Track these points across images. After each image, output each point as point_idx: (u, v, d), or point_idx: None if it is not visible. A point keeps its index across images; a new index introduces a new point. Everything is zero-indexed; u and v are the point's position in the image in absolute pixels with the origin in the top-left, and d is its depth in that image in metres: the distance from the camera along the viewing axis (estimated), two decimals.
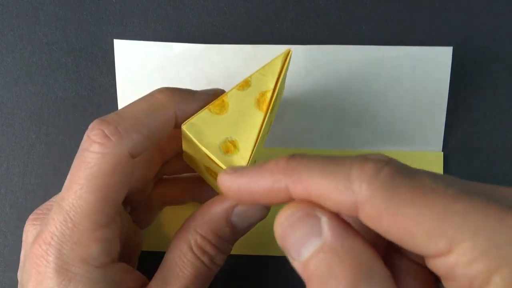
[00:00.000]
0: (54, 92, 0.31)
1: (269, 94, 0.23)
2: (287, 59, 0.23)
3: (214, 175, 0.24)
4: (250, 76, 0.23)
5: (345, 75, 0.30)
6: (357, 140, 0.30)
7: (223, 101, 0.22)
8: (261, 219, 0.23)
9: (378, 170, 0.15)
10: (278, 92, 0.23)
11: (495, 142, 0.31)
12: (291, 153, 0.29)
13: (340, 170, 0.15)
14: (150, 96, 0.22)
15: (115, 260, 0.22)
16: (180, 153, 0.25)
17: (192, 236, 0.22)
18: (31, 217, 0.23)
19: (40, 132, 0.31)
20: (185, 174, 0.29)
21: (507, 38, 0.30)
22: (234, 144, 0.22)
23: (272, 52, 0.30)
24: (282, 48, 0.30)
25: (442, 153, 0.30)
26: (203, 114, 0.22)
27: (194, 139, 0.22)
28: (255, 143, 0.22)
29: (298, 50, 0.30)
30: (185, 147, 0.24)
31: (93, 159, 0.20)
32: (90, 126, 0.21)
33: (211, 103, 0.22)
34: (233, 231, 0.23)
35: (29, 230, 0.22)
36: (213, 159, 0.21)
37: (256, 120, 0.22)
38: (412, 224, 0.14)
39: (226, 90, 0.26)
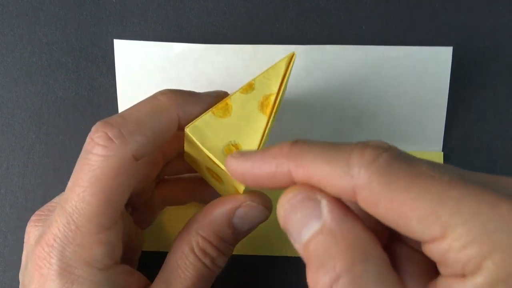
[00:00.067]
0: (54, 92, 0.31)
1: (273, 98, 0.23)
2: (291, 62, 0.23)
3: (216, 176, 0.24)
4: (254, 79, 0.23)
5: (345, 75, 0.30)
6: (357, 140, 0.30)
7: (226, 104, 0.22)
8: (262, 221, 0.23)
9: (376, 156, 0.15)
10: (281, 95, 0.23)
11: (495, 142, 0.31)
12: None
13: (340, 155, 0.16)
14: (153, 98, 0.22)
15: (117, 262, 0.22)
16: (181, 153, 0.25)
17: (194, 238, 0.22)
18: (33, 218, 0.23)
19: (40, 132, 0.31)
20: (186, 175, 0.29)
21: (507, 38, 0.30)
22: (237, 147, 0.22)
23: (272, 52, 0.30)
24: (282, 48, 0.30)
25: (442, 153, 0.30)
26: (207, 117, 0.22)
27: (197, 142, 0.21)
28: (258, 147, 0.22)
29: (298, 50, 0.30)
30: (187, 148, 0.23)
31: (97, 161, 0.20)
32: (93, 128, 0.21)
33: (214, 106, 0.22)
34: (234, 233, 0.23)
35: (31, 232, 0.22)
36: (216, 163, 0.21)
37: (259, 123, 0.22)
38: (407, 209, 0.15)
39: (227, 91, 0.26)
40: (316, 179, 0.17)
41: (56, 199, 0.24)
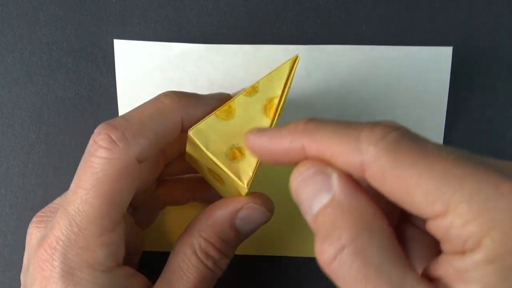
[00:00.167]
0: (54, 92, 0.31)
1: (276, 101, 0.22)
2: (295, 65, 0.23)
3: (217, 177, 0.24)
4: (257, 82, 0.23)
5: (345, 75, 0.30)
6: None
7: (230, 106, 0.22)
8: (264, 223, 0.23)
9: (385, 134, 0.16)
10: (284, 98, 0.23)
11: (495, 142, 0.31)
12: None
13: (351, 132, 0.17)
14: (157, 100, 0.22)
15: (120, 264, 0.22)
16: (182, 154, 0.25)
17: (196, 240, 0.23)
18: (34, 219, 0.23)
19: (40, 132, 0.31)
20: (187, 175, 0.29)
21: (507, 38, 0.30)
22: (240, 151, 0.22)
23: (272, 52, 0.30)
24: (282, 48, 0.30)
25: None
26: (210, 120, 0.22)
27: (201, 146, 0.21)
28: None
29: (298, 50, 0.30)
30: (189, 149, 0.23)
31: (100, 164, 0.20)
32: (96, 130, 0.21)
33: (218, 109, 0.22)
34: (236, 235, 0.23)
35: (33, 233, 0.22)
36: (220, 166, 0.21)
37: (263, 126, 0.22)
38: (412, 186, 0.15)
39: (227, 91, 0.26)
40: (328, 154, 0.17)
41: (57, 200, 0.24)
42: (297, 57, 0.23)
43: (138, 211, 0.27)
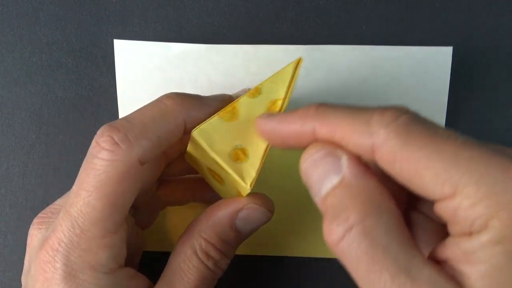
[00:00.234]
0: (54, 92, 0.31)
1: (279, 103, 0.22)
2: (298, 68, 0.23)
3: (217, 177, 0.24)
4: (261, 84, 0.23)
5: (345, 75, 0.30)
6: None
7: (234, 108, 0.22)
8: (264, 223, 0.23)
9: (396, 117, 0.16)
10: (287, 100, 0.23)
11: (495, 142, 0.31)
12: (289, 153, 0.29)
13: (362, 115, 0.17)
14: (159, 102, 0.22)
15: (122, 265, 0.22)
16: (183, 154, 0.25)
17: (196, 241, 0.23)
18: (35, 221, 0.23)
19: (40, 132, 0.31)
20: (187, 176, 0.29)
21: (507, 38, 0.30)
22: (243, 152, 0.22)
23: (272, 52, 0.30)
24: (282, 48, 0.30)
25: None
26: (214, 120, 0.22)
27: (204, 146, 0.21)
28: (265, 152, 0.22)
29: (298, 50, 0.30)
30: (190, 149, 0.23)
31: (102, 166, 0.20)
32: (98, 132, 0.21)
33: (221, 110, 0.22)
34: (237, 235, 0.23)
35: (34, 234, 0.22)
36: (223, 166, 0.21)
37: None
38: (421, 167, 0.15)
39: (227, 91, 0.26)
40: (339, 136, 0.17)
41: (58, 201, 0.24)
42: (300, 59, 0.23)
43: (139, 211, 0.27)
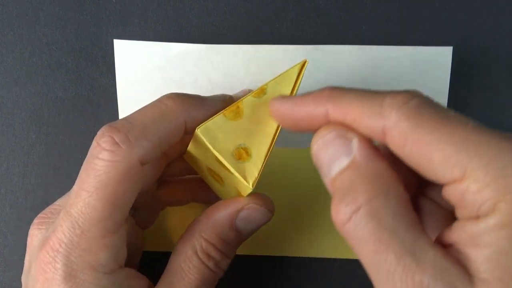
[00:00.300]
0: (54, 92, 0.31)
1: None
2: (303, 69, 0.23)
3: (217, 177, 0.24)
4: (266, 84, 0.23)
5: (345, 75, 0.30)
6: None
7: (238, 107, 0.22)
8: (265, 223, 0.23)
9: (408, 100, 0.16)
10: None
11: None
12: (290, 153, 0.29)
13: (375, 98, 0.17)
14: (159, 103, 0.22)
15: (122, 265, 0.22)
16: (183, 154, 0.25)
17: (197, 241, 0.23)
18: (35, 221, 0.23)
19: (40, 132, 0.31)
20: (187, 176, 0.29)
21: (507, 38, 0.30)
22: (246, 151, 0.22)
23: (272, 52, 0.30)
24: (282, 48, 0.30)
25: None
26: (218, 119, 0.22)
27: (208, 144, 0.21)
28: (268, 152, 0.22)
29: (298, 50, 0.30)
30: (191, 148, 0.23)
31: (103, 166, 0.20)
32: (99, 132, 0.21)
33: (226, 109, 0.22)
34: (237, 235, 0.23)
35: (34, 235, 0.22)
36: (226, 165, 0.21)
37: (269, 128, 0.22)
38: (431, 150, 0.16)
39: (227, 91, 0.26)
40: (351, 118, 0.18)
41: (58, 202, 0.24)
42: (305, 61, 0.23)
43: (139, 211, 0.27)
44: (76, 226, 0.20)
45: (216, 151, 0.21)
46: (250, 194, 0.23)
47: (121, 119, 0.21)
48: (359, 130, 0.18)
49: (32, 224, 0.23)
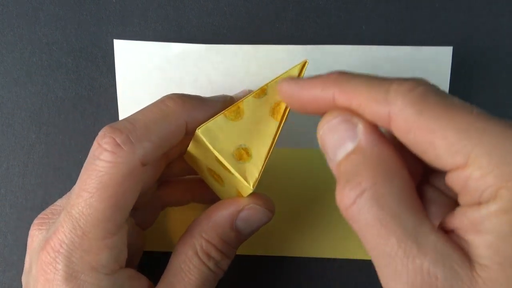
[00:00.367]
0: (54, 92, 0.31)
1: (284, 104, 0.23)
2: (303, 70, 0.23)
3: (217, 177, 0.24)
4: (266, 85, 0.23)
5: None
6: None
7: (238, 107, 0.22)
8: (265, 223, 0.23)
9: (414, 87, 0.16)
10: None
11: None
12: (290, 153, 0.29)
13: (381, 85, 0.17)
14: (161, 103, 0.22)
15: (123, 266, 0.22)
16: (183, 154, 0.25)
17: (197, 241, 0.23)
18: (36, 221, 0.23)
19: (40, 132, 0.31)
20: (187, 177, 0.29)
21: (507, 38, 0.30)
22: (247, 151, 0.22)
23: (272, 52, 0.30)
24: (282, 48, 0.30)
25: None
26: (219, 119, 0.22)
27: (208, 144, 0.21)
28: (268, 152, 0.22)
29: (298, 50, 0.30)
30: (191, 148, 0.23)
31: (104, 167, 0.20)
32: (100, 133, 0.21)
33: (226, 109, 0.22)
34: (237, 235, 0.23)
35: (35, 235, 0.22)
36: (226, 166, 0.21)
37: (270, 129, 0.22)
38: (435, 137, 0.16)
39: (227, 91, 0.26)
40: (356, 103, 0.18)
41: (58, 202, 0.24)
42: (305, 62, 0.23)
43: (139, 212, 0.27)
44: (77, 227, 0.20)
45: (217, 151, 0.21)
46: (250, 195, 0.23)
47: (122, 120, 0.21)
48: (365, 116, 0.18)
49: (32, 224, 0.23)
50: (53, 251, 0.20)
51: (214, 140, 0.21)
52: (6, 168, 0.31)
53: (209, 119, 0.22)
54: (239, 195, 0.23)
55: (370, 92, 0.17)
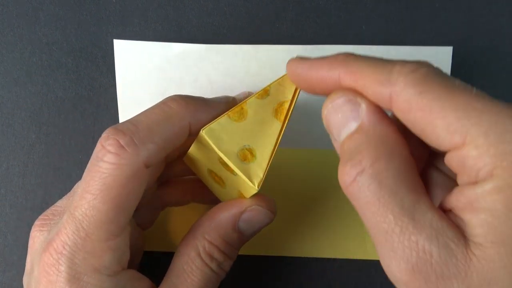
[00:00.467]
0: (54, 92, 0.31)
1: (287, 105, 0.23)
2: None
3: (218, 179, 0.24)
4: (269, 85, 0.23)
5: None
6: None
7: (242, 108, 0.22)
8: (267, 224, 0.23)
9: (416, 68, 0.17)
10: (295, 102, 0.23)
11: None
12: (291, 153, 0.29)
13: (385, 66, 0.17)
14: (164, 105, 0.22)
15: (125, 267, 0.22)
16: (183, 154, 0.25)
17: (200, 243, 0.23)
18: (37, 222, 0.23)
19: (40, 132, 0.31)
20: (187, 177, 0.29)
21: (507, 38, 0.30)
22: (251, 152, 0.22)
23: (272, 52, 0.30)
24: (282, 48, 0.30)
25: None
26: (223, 120, 0.22)
27: (213, 145, 0.21)
28: (272, 152, 0.22)
29: (298, 50, 0.30)
30: (193, 150, 0.23)
31: (108, 169, 0.20)
32: (104, 135, 0.21)
33: (230, 110, 0.22)
34: (240, 237, 0.23)
35: (36, 236, 0.22)
36: (231, 166, 0.21)
37: (273, 129, 0.22)
38: (434, 117, 0.16)
39: (227, 91, 0.26)
40: (361, 84, 0.18)
41: (59, 203, 0.24)
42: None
43: (139, 212, 0.27)
44: (81, 229, 0.20)
45: (221, 152, 0.21)
46: (252, 196, 0.23)
47: (125, 121, 0.21)
48: (369, 96, 0.18)
49: (33, 225, 0.23)
50: (56, 252, 0.20)
51: (219, 141, 0.21)
52: (6, 168, 0.31)
53: (212, 120, 0.22)
54: (240, 196, 0.23)
55: (374, 73, 0.17)
